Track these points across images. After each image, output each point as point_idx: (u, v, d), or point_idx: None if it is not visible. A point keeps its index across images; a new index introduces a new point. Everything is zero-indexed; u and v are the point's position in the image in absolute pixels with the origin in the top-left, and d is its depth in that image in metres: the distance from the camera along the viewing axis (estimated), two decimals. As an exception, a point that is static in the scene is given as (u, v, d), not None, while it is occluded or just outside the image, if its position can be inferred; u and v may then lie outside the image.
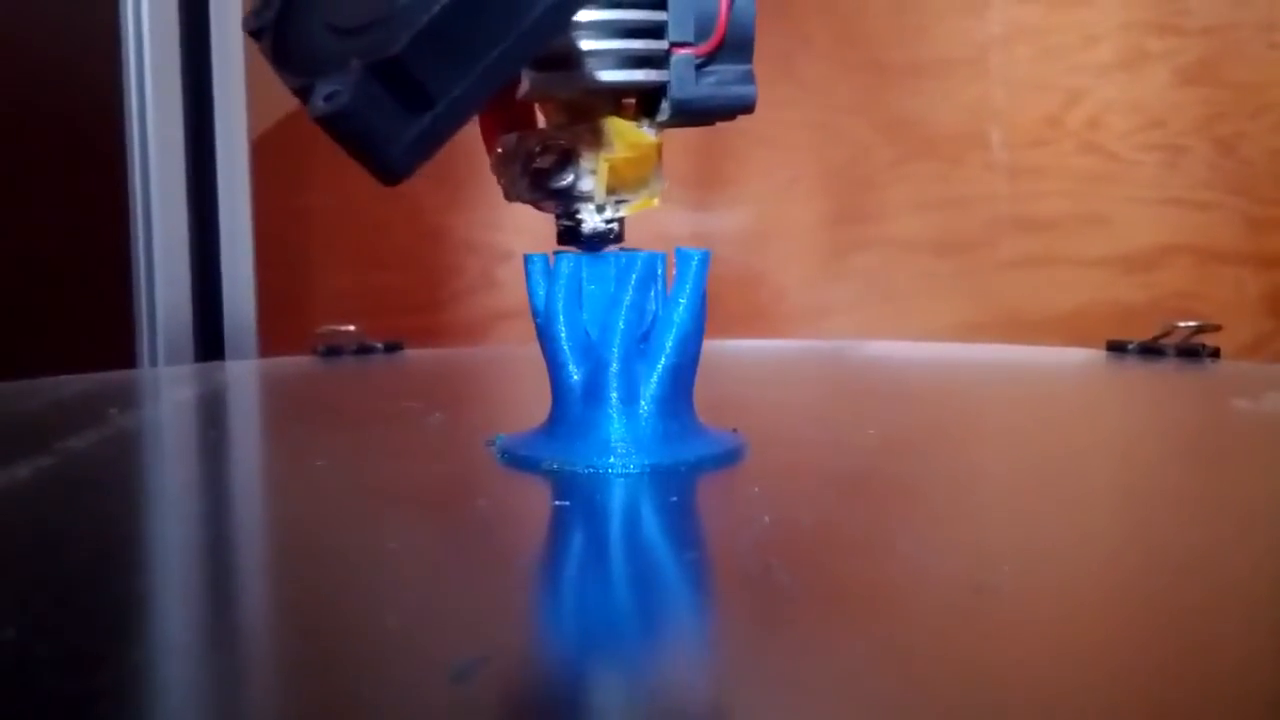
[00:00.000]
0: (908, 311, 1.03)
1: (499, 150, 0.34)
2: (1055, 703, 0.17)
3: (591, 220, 0.34)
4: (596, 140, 0.33)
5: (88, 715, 0.17)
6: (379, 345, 0.71)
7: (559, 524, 0.29)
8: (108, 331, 0.81)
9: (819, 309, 1.04)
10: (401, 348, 0.72)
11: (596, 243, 0.34)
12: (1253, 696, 0.18)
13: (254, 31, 0.30)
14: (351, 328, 0.72)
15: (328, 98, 0.25)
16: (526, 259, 0.35)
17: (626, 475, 0.32)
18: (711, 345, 0.35)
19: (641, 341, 0.34)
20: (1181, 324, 0.63)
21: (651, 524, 0.29)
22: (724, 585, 0.24)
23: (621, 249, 0.35)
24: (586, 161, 0.33)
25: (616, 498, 0.30)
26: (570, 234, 0.34)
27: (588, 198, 0.34)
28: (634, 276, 0.34)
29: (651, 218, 0.36)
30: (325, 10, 0.28)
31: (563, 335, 0.34)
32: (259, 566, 0.27)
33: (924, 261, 1.02)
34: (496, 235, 1.05)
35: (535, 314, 0.35)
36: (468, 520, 0.30)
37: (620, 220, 0.34)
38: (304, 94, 0.26)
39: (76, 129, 0.82)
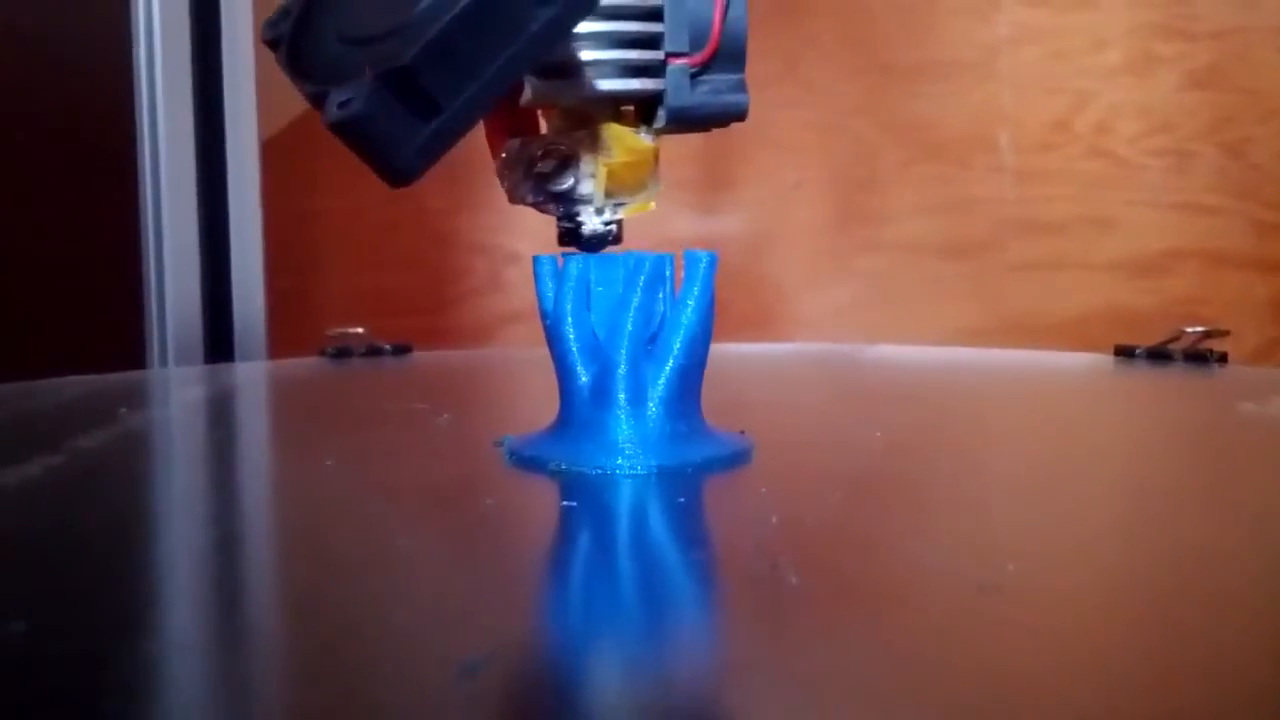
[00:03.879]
0: (914, 315, 1.03)
1: (503, 155, 0.35)
2: (1059, 702, 0.17)
3: (591, 222, 0.35)
4: (595, 145, 0.34)
5: (96, 710, 0.17)
6: (387, 347, 0.71)
7: (567, 524, 0.29)
8: (118, 332, 0.81)
9: (825, 312, 1.04)
10: (410, 349, 0.72)
11: (595, 244, 0.35)
12: (1259, 698, 0.18)
13: (270, 41, 0.31)
14: (360, 329, 0.72)
15: (341, 105, 0.26)
16: (535, 260, 0.35)
17: (634, 476, 0.32)
18: (719, 348, 0.36)
19: (649, 343, 0.34)
20: (1189, 329, 0.63)
21: (659, 524, 0.29)
22: (731, 584, 0.24)
23: (630, 251, 0.35)
24: (586, 166, 0.34)
25: (624, 498, 0.31)
26: (570, 235, 0.35)
27: (587, 200, 0.35)
28: (642, 278, 0.34)
29: (657, 220, 0.37)
30: (339, 22, 0.29)
31: (571, 337, 0.34)
32: (267, 564, 0.27)
33: (930, 265, 1.02)
34: (504, 238, 1.05)
35: (543, 315, 0.35)
36: (476, 520, 0.30)
37: (618, 222, 0.36)
38: (318, 101, 0.27)
39: (88, 132, 0.82)
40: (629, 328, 0.33)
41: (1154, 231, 0.98)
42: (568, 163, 0.34)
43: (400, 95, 0.26)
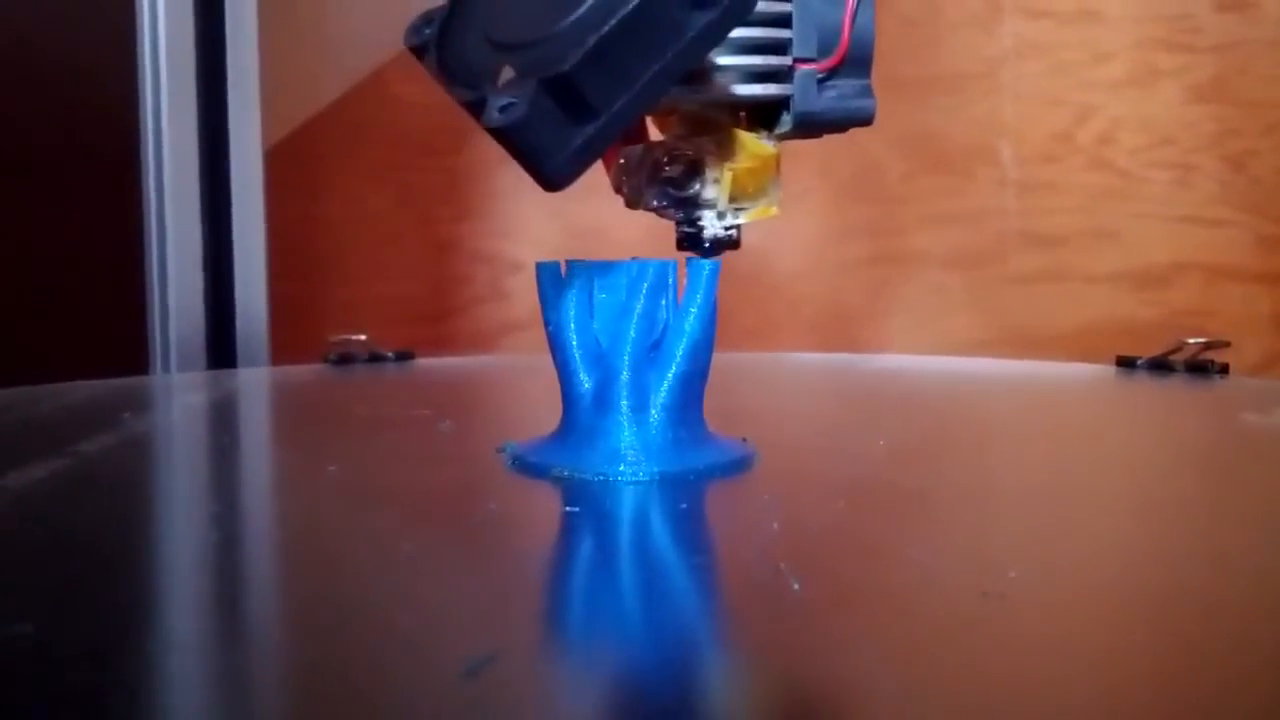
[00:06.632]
0: (918, 325, 1.03)
1: (621, 161, 0.35)
2: (1060, 709, 0.17)
3: (712, 227, 0.35)
4: (720, 150, 0.35)
5: (101, 707, 0.17)
6: (390, 354, 0.71)
7: (569, 529, 0.29)
8: (121, 338, 0.81)
9: (829, 322, 1.04)
10: (413, 356, 0.72)
11: (717, 248, 0.36)
12: (1260, 707, 0.18)
13: (415, 48, 0.31)
14: (363, 336, 0.72)
15: (503, 109, 0.27)
16: (539, 267, 0.35)
17: (636, 482, 0.32)
18: (721, 357, 0.36)
19: (652, 350, 0.34)
20: (1191, 340, 0.63)
21: (661, 530, 0.29)
22: (733, 589, 0.24)
23: (634, 259, 0.35)
24: (711, 171, 0.35)
25: (626, 504, 0.31)
26: (691, 240, 0.36)
27: (710, 205, 0.35)
28: (645, 285, 0.34)
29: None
30: (488, 28, 0.30)
31: (574, 343, 0.34)
32: (270, 567, 0.28)
33: (934, 276, 1.02)
34: (506, 246, 1.05)
35: (546, 322, 0.35)
36: (478, 524, 0.30)
37: (738, 227, 0.36)
38: (474, 107, 0.28)
39: (92, 137, 0.82)
40: (632, 335, 0.34)
41: (1156, 244, 0.98)
42: (694, 168, 0.35)
43: (559, 101, 0.27)
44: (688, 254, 0.36)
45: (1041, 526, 0.29)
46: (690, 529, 0.30)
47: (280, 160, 0.92)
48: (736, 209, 0.35)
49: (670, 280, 0.35)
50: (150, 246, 0.80)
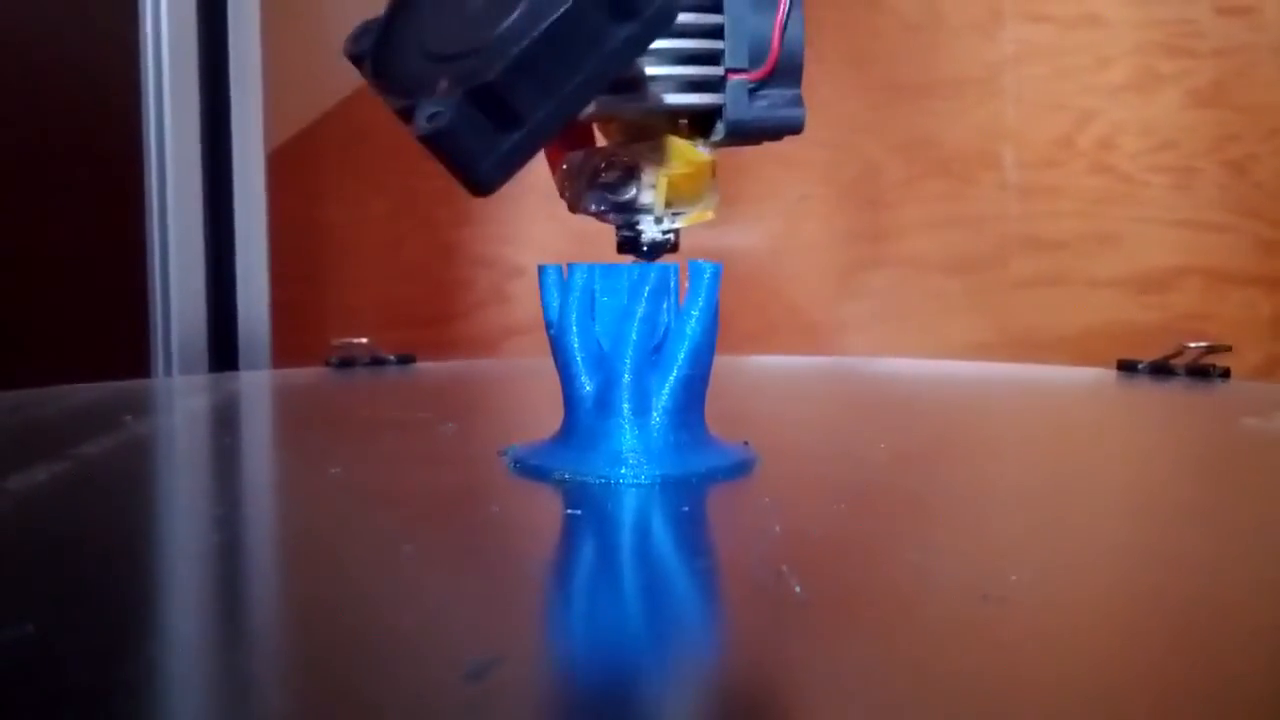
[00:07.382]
0: (919, 329, 1.03)
1: (564, 166, 0.36)
2: (1061, 712, 0.17)
3: (650, 231, 0.36)
4: (656, 157, 0.36)
5: (104, 708, 0.17)
6: (391, 357, 0.71)
7: (571, 531, 0.29)
8: (123, 341, 0.81)
9: (830, 326, 1.04)
10: (414, 360, 0.72)
11: (654, 251, 0.36)
12: (1260, 710, 0.18)
13: (354, 56, 0.32)
14: (364, 340, 0.72)
15: (430, 118, 0.27)
16: (541, 270, 0.35)
17: (638, 485, 0.32)
18: (723, 360, 0.36)
19: (654, 353, 0.34)
20: (1192, 344, 0.63)
21: (662, 532, 0.29)
22: (734, 592, 0.24)
23: (635, 262, 0.35)
24: (647, 176, 0.36)
25: (628, 507, 0.31)
26: (630, 244, 0.37)
27: (647, 210, 0.36)
28: (647, 288, 0.34)
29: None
30: (421, 38, 0.31)
31: (575, 346, 0.34)
32: (272, 569, 0.28)
33: (935, 280, 1.02)
34: (507, 250, 1.05)
35: (548, 325, 0.35)
36: (481, 527, 0.30)
37: (676, 231, 0.37)
38: (406, 114, 0.29)
39: (95, 141, 0.82)
40: (633, 338, 0.34)
41: (1157, 248, 0.99)
42: (630, 174, 0.35)
43: (485, 110, 0.28)
44: (625, 258, 0.36)
45: (1043, 530, 0.30)
46: (692, 532, 0.30)
47: (282, 164, 0.92)
48: (673, 213, 0.36)
49: (672, 284, 0.35)
50: (153, 249, 0.81)
